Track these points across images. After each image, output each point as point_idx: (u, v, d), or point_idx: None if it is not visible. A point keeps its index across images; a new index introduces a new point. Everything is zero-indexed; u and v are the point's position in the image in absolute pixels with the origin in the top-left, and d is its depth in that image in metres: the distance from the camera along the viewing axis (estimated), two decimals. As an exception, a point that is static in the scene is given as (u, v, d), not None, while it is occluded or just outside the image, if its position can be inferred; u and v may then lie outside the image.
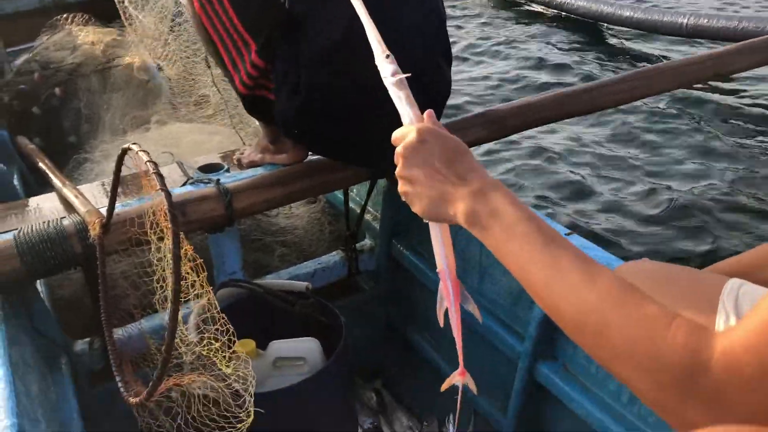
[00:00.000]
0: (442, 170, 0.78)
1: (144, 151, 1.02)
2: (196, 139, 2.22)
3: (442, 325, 0.87)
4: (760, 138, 3.34)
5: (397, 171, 0.82)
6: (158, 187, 0.95)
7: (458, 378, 0.88)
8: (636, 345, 0.58)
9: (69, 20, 2.98)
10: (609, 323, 0.60)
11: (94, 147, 2.27)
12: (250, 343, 1.45)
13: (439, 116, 1.38)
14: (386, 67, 0.86)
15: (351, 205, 1.80)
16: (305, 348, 1.48)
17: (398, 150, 0.81)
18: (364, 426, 1.71)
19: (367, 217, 1.90)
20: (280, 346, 1.48)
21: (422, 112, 0.84)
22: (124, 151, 1.08)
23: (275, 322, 1.55)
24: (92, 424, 1.44)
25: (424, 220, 0.85)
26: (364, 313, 1.83)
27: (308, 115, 1.35)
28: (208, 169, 1.57)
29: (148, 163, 0.98)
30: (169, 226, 0.93)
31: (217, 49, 1.41)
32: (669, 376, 0.56)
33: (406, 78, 0.85)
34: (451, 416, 1.69)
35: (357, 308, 1.81)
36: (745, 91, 3.80)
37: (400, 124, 0.85)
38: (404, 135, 0.81)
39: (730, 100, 3.73)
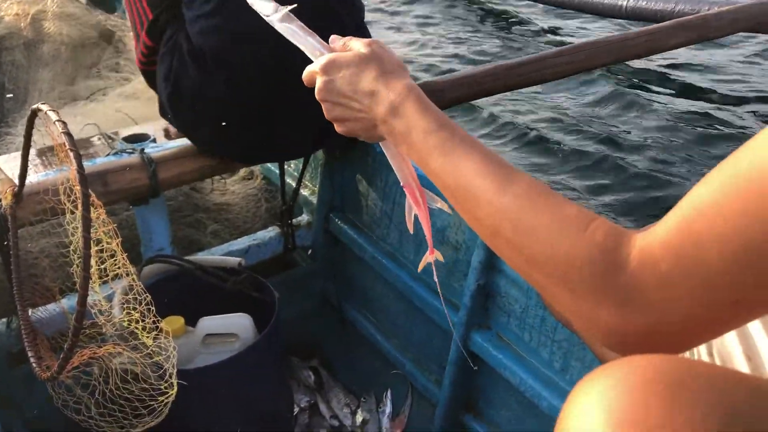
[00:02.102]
0: (354, 99, 0.75)
1: (54, 110, 0.96)
2: (128, 113, 2.13)
3: (411, 231, 0.87)
4: (691, 110, 3.47)
5: (326, 115, 0.80)
6: (68, 146, 0.89)
7: (429, 257, 0.87)
8: (553, 247, 0.56)
9: (-9, -9, 2.83)
10: (525, 226, 0.58)
11: (16, 121, 2.17)
12: (178, 320, 1.40)
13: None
14: (263, 5, 0.80)
15: (287, 179, 1.76)
16: (236, 324, 1.43)
17: (316, 95, 0.78)
18: (301, 404, 1.67)
19: (305, 192, 1.86)
20: (210, 323, 1.43)
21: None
22: (34, 113, 1.02)
23: (207, 300, 1.50)
24: (12, 407, 1.37)
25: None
26: (300, 290, 1.79)
27: (176, 103, 1.33)
28: (134, 139, 1.50)
29: (57, 123, 0.92)
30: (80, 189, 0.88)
31: (129, 17, 1.43)
32: (585, 277, 0.54)
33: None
34: (389, 392, 1.67)
35: (293, 284, 1.76)
36: (679, 66, 3.92)
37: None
38: (311, 78, 0.79)
39: (666, 75, 3.84)
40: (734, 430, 0.40)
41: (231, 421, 1.44)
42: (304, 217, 1.84)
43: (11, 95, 2.40)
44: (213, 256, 1.64)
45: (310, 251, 1.81)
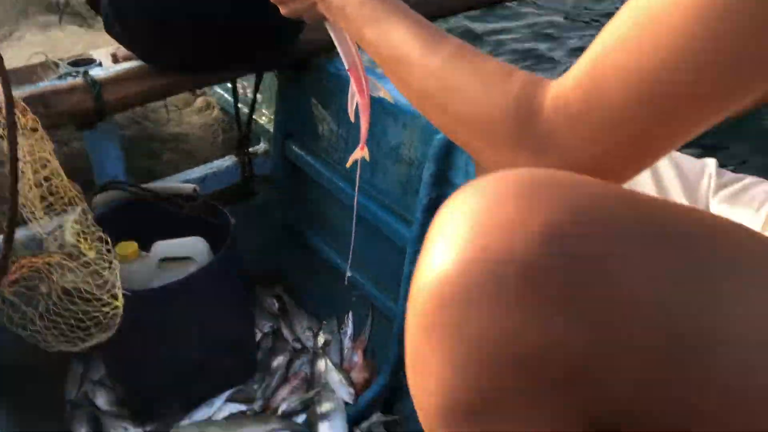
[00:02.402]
0: None
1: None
2: (77, 40, 2.09)
3: (353, 120, 0.87)
4: None
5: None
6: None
7: (359, 152, 0.89)
8: (475, 102, 0.57)
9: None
10: (451, 85, 0.59)
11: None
12: (132, 245, 1.40)
13: None
14: None
15: (243, 107, 1.73)
16: (191, 247, 1.43)
17: None
18: (264, 330, 1.69)
19: (262, 120, 1.84)
20: (164, 247, 1.43)
21: None
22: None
23: (163, 227, 1.49)
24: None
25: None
26: (261, 218, 1.78)
27: (117, 10, 1.29)
28: (79, 63, 1.46)
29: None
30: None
31: None
32: (504, 127, 0.55)
33: None
34: (350, 314, 1.69)
35: (253, 213, 1.76)
36: None
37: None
38: None
39: None
40: (583, 220, 0.41)
41: (192, 344, 1.45)
42: (261, 146, 1.82)
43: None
44: (168, 183, 1.62)
45: (268, 179, 1.80)
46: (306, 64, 1.60)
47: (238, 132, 1.73)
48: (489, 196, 0.44)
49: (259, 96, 1.79)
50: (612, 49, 0.50)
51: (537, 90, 0.54)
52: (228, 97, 1.91)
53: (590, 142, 0.51)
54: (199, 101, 1.95)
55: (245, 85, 1.84)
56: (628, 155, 0.52)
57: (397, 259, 1.42)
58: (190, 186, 1.54)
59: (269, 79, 1.73)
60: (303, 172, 1.71)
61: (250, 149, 1.77)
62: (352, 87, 0.85)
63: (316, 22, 0.81)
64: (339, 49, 0.83)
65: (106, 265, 0.97)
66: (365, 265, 1.58)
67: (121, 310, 1.02)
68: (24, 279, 0.96)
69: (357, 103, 0.85)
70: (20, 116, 0.96)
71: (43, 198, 1.07)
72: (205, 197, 1.53)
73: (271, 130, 1.78)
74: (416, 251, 1.34)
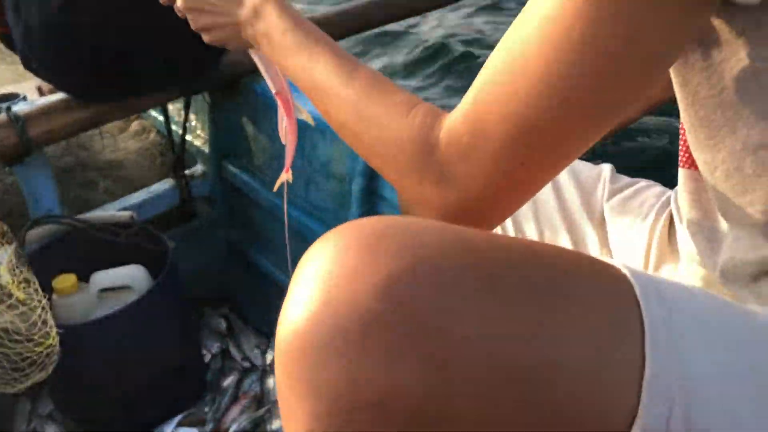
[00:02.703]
0: (219, 4, 0.77)
1: None
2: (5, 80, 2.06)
3: (284, 142, 0.90)
4: None
5: (193, 26, 0.81)
6: None
7: (284, 175, 0.92)
8: (383, 132, 0.60)
9: None
10: (363, 115, 0.62)
11: None
12: (70, 278, 1.39)
13: None
14: None
15: (176, 128, 1.73)
16: (130, 276, 1.43)
17: (179, 6, 0.80)
18: (212, 350, 1.69)
19: (197, 142, 1.84)
20: (103, 277, 1.43)
21: None
22: None
23: (102, 257, 1.49)
24: None
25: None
26: (203, 239, 1.79)
27: (32, 46, 1.28)
28: (2, 99, 1.45)
29: None
30: None
31: None
32: (407, 157, 0.58)
33: None
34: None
35: (194, 235, 1.76)
36: None
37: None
38: None
39: None
40: (420, 269, 0.43)
41: (138, 372, 1.45)
42: (198, 167, 1.82)
43: None
44: (106, 212, 1.62)
45: (208, 200, 1.80)
46: (236, 84, 1.61)
47: (173, 153, 1.73)
48: (338, 247, 0.46)
49: (193, 117, 1.80)
50: (490, 82, 0.54)
51: (435, 122, 0.57)
52: (161, 118, 1.91)
53: (480, 173, 0.54)
54: (135, 125, 1.94)
55: (179, 108, 1.84)
56: (518, 181, 0.55)
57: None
58: (126, 213, 1.54)
59: (201, 100, 1.73)
60: (241, 191, 1.72)
61: (187, 171, 1.77)
62: (281, 111, 0.88)
63: (239, 49, 0.83)
64: (265, 75, 0.86)
65: (37, 304, 0.97)
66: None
67: (57, 348, 1.02)
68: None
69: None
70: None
71: None
72: (142, 224, 1.53)
73: (207, 150, 1.78)
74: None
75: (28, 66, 1.32)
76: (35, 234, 1.47)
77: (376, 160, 0.63)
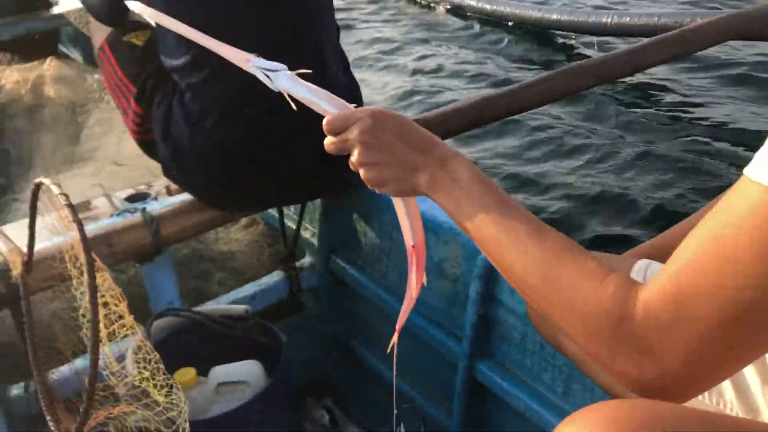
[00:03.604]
0: (400, 146, 0.77)
1: (56, 184, 1.01)
2: (131, 170, 2.19)
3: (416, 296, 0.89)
4: (679, 131, 3.45)
5: (357, 159, 0.78)
6: (71, 218, 0.94)
7: (395, 337, 0.92)
8: (574, 298, 0.61)
9: (-9, 61, 2.92)
10: (552, 277, 0.63)
11: (23, 187, 2.23)
12: (190, 372, 1.44)
13: None
14: (270, 65, 0.79)
15: (288, 222, 1.80)
16: (247, 371, 1.47)
17: (353, 136, 0.77)
18: (316, 443, 1.70)
19: (306, 234, 1.90)
20: (221, 371, 1.46)
21: None
22: (38, 186, 1.07)
23: (217, 348, 1.54)
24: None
25: (393, 198, 0.84)
26: (308, 331, 1.82)
27: (177, 160, 1.38)
28: (135, 198, 1.55)
29: (60, 196, 0.97)
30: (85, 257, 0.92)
31: (113, 98, 1.54)
32: (599, 326, 0.59)
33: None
34: (401, 426, 1.69)
35: (301, 326, 1.80)
36: (659, 85, 3.91)
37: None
38: (347, 122, 0.78)
39: (648, 92, 3.82)
40: None
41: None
42: (307, 259, 1.88)
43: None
44: (220, 305, 1.68)
45: (315, 293, 1.85)
46: (348, 182, 1.67)
47: (285, 248, 1.79)
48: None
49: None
50: (692, 267, 0.55)
51: (629, 294, 0.58)
52: (272, 212, 1.99)
53: (684, 351, 0.55)
54: (245, 218, 2.03)
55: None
56: (719, 363, 0.56)
57: (448, 374, 1.44)
58: (241, 307, 1.59)
59: (312, 196, 1.80)
60: (348, 285, 1.75)
61: (296, 263, 1.83)
62: (410, 263, 0.86)
63: (395, 193, 0.80)
64: (404, 224, 0.84)
65: (175, 408, 1.01)
66: (415, 378, 1.60)
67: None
68: (99, 425, 1.01)
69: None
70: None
71: (104, 326, 1.12)
72: (256, 317, 1.58)
73: (316, 243, 1.84)
74: (467, 366, 1.36)
75: (167, 173, 1.42)
76: (157, 326, 1.54)
77: (563, 320, 0.64)
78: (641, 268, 0.90)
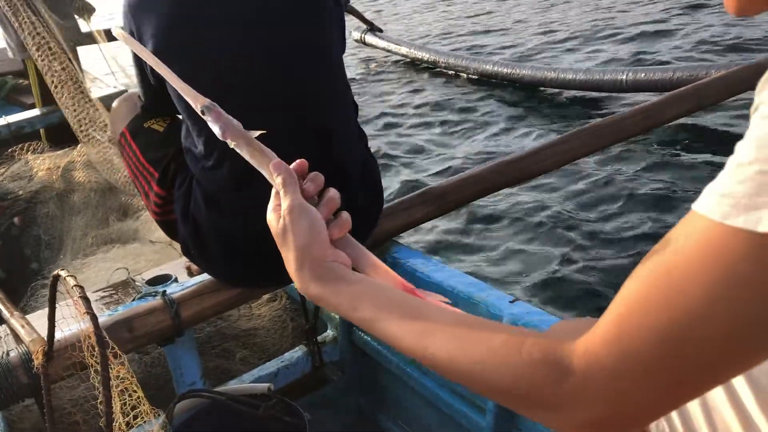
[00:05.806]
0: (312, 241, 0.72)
1: (72, 276, 1.03)
2: (156, 252, 2.24)
3: None
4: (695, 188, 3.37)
5: (277, 228, 0.74)
6: (84, 310, 0.95)
7: None
8: (496, 380, 0.59)
9: (24, 150, 3.04)
10: (467, 368, 0.61)
11: (53, 272, 2.28)
12: (213, 455, 1.43)
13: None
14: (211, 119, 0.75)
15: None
16: (270, 452, 1.45)
17: (295, 194, 0.74)
18: None
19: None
20: (245, 453, 1.45)
21: None
22: (55, 278, 1.09)
23: (242, 428, 1.53)
24: None
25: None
26: (333, 405, 1.80)
27: (197, 241, 1.42)
28: (157, 281, 1.58)
29: (74, 288, 0.99)
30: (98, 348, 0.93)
31: (134, 182, 1.58)
32: (536, 396, 0.57)
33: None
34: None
35: (326, 401, 1.78)
36: (677, 140, 3.85)
37: None
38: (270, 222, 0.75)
39: (666, 149, 3.78)
40: None
41: None
42: (329, 333, 1.87)
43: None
44: (243, 383, 1.68)
45: (338, 366, 1.83)
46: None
47: (306, 322, 1.79)
48: None
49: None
50: (635, 307, 0.53)
51: (560, 351, 0.56)
52: (293, 285, 2.00)
53: (630, 393, 0.54)
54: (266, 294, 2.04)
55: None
56: (669, 400, 0.55)
57: (474, 447, 1.41)
58: (264, 385, 1.58)
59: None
60: (371, 357, 1.74)
61: (318, 337, 1.82)
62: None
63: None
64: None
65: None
66: (441, 451, 1.56)
67: None
68: None
69: None
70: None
71: (123, 414, 1.13)
72: (279, 395, 1.57)
73: (337, 317, 1.83)
74: (492, 441, 1.33)
75: (186, 253, 1.44)
76: (180, 407, 1.54)
77: (502, 400, 0.61)
78: None
